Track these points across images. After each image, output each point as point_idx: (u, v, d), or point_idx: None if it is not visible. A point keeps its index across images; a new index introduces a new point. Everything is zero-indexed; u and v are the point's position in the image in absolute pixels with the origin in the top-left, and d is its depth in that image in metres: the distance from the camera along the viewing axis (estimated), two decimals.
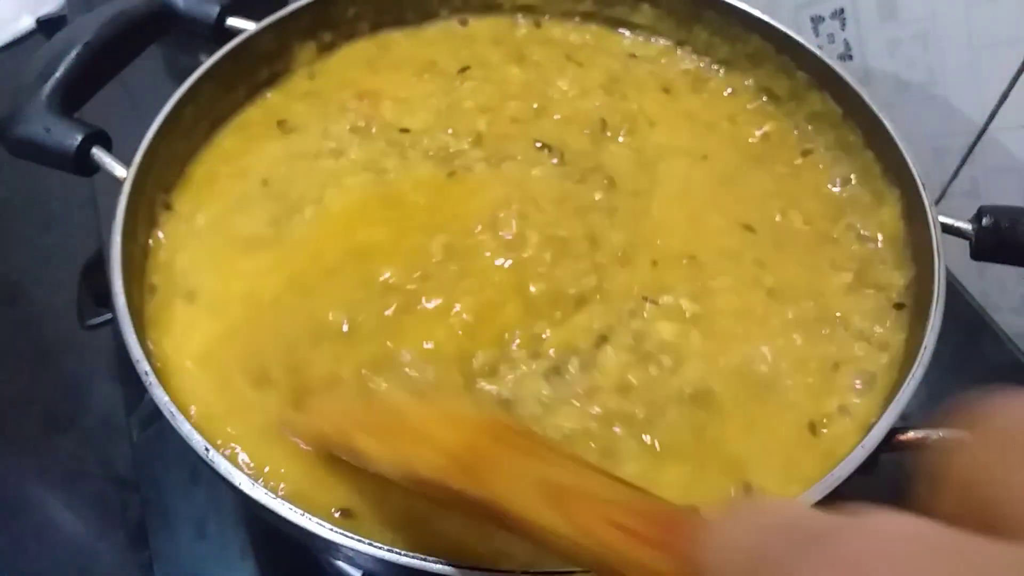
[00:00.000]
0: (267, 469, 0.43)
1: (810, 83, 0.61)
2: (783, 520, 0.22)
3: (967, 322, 0.69)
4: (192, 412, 0.44)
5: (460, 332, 0.47)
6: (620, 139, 0.60)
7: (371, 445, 0.37)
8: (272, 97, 0.63)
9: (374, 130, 0.60)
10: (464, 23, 0.69)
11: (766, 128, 0.62)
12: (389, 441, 0.37)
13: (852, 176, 0.59)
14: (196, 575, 0.57)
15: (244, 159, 0.58)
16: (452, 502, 0.35)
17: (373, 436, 0.37)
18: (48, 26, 0.94)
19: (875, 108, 0.56)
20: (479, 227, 0.51)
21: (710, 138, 0.61)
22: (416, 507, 0.41)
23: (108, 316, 0.70)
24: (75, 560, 0.60)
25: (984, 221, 0.51)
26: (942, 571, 0.17)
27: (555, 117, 0.61)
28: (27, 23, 0.95)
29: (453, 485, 0.34)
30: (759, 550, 0.21)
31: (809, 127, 0.62)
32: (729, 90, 0.65)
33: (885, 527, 0.19)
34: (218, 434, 0.44)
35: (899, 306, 0.51)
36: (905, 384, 0.43)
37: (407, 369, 0.45)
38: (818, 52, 0.60)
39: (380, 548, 0.37)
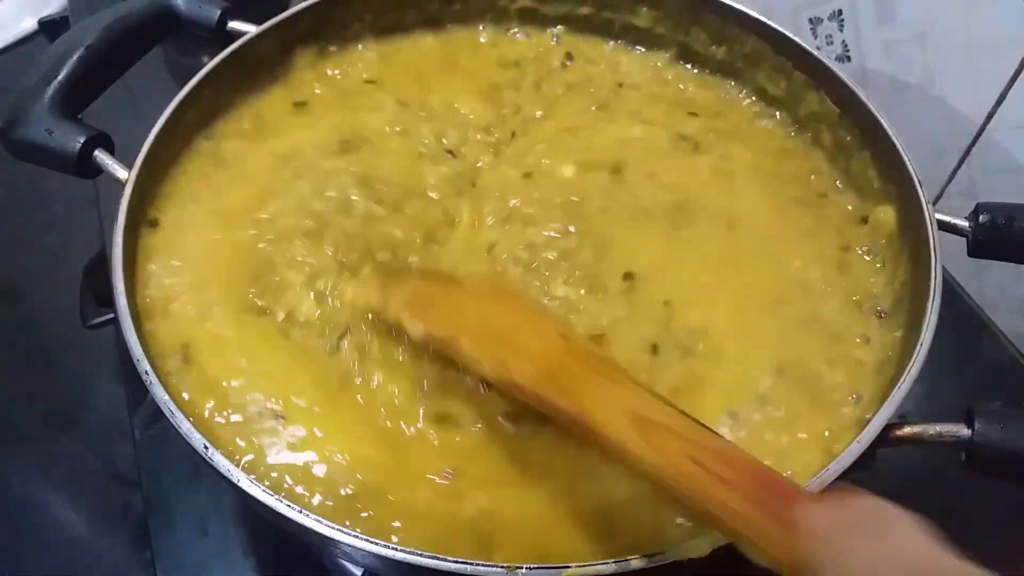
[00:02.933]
0: None
1: (807, 83, 0.61)
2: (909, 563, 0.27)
3: (964, 321, 0.69)
4: None
5: None
6: None
7: (473, 348, 0.41)
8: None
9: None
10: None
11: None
12: (488, 347, 0.41)
13: (848, 176, 0.59)
14: (198, 574, 0.57)
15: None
16: (547, 411, 0.39)
17: (475, 341, 0.41)
18: (50, 27, 0.94)
19: (871, 106, 0.56)
20: None
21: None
22: None
23: (110, 316, 0.70)
24: (77, 559, 0.60)
25: (981, 218, 0.51)
26: None
27: None
28: (29, 24, 0.95)
29: (543, 393, 0.38)
30: None
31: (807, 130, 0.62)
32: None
33: None
34: None
35: (881, 314, 0.52)
36: (901, 381, 0.43)
37: None
38: (815, 52, 0.60)
39: (378, 544, 0.38)
